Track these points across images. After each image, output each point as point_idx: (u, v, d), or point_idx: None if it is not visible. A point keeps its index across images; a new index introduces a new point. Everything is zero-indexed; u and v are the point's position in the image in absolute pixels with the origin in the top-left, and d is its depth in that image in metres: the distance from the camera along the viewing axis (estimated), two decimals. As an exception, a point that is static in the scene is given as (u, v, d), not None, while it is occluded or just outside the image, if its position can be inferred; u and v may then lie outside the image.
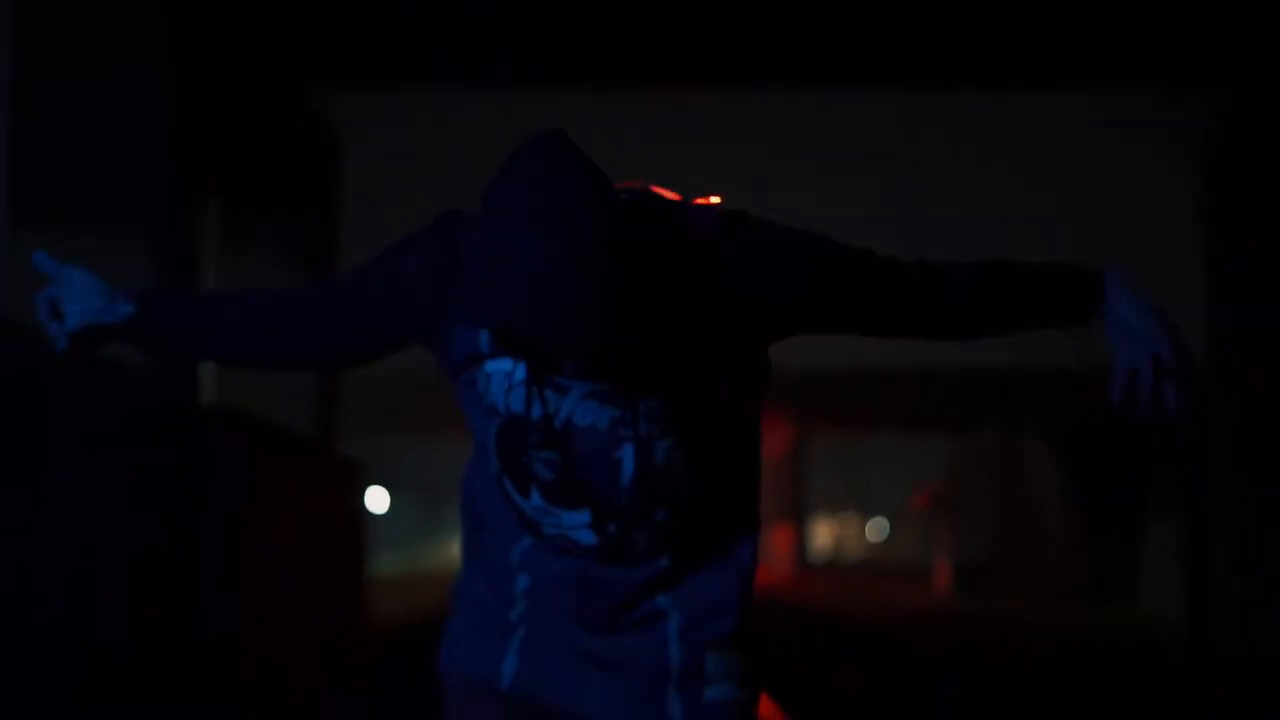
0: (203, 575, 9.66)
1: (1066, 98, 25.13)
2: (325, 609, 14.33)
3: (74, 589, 7.26)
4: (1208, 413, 20.50)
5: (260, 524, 11.49)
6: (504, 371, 2.11)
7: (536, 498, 2.15)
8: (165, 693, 8.76)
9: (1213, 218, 20.02)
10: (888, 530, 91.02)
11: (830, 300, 2.15)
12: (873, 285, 2.16)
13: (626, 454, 2.10)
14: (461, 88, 19.45)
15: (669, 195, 2.16)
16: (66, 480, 7.24)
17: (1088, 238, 40.05)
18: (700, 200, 2.17)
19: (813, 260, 2.12)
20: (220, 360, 2.30)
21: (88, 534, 7.50)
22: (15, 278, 10.74)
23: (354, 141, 20.01)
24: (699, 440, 2.14)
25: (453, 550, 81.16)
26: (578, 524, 2.15)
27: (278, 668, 11.67)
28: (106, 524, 7.79)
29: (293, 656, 12.43)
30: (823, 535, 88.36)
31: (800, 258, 2.11)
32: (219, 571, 10.10)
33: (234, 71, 14.02)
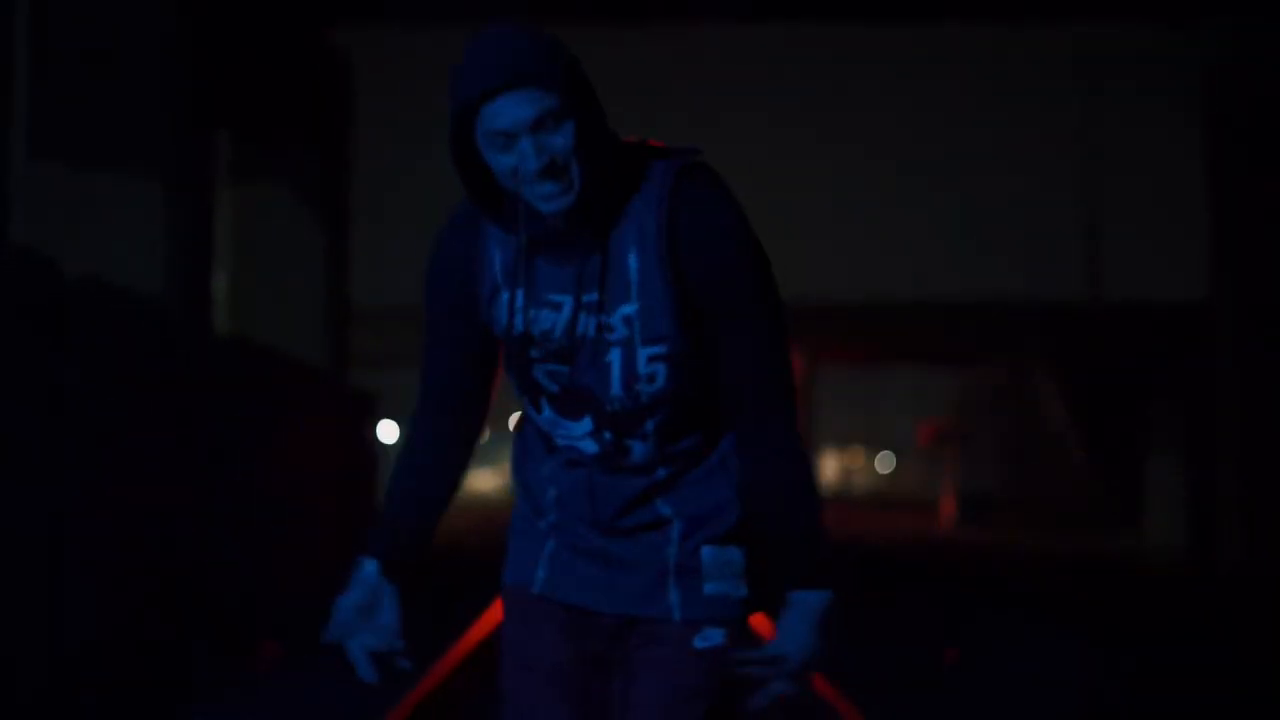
0: (220, 498, 9.88)
1: (1078, 31, 25.19)
2: (338, 534, 14.58)
3: (94, 508, 7.48)
4: (1213, 349, 20.68)
5: (276, 450, 11.69)
6: (500, 300, 2.45)
7: (547, 410, 2.47)
8: (182, 612, 8.99)
9: (1214, 158, 20.12)
10: (894, 463, 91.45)
11: (715, 282, 2.37)
12: (744, 303, 2.39)
13: (614, 359, 2.39)
14: (472, 24, 19.52)
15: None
16: (86, 404, 7.44)
17: (1099, 168, 40.03)
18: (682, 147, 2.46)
19: (739, 234, 2.39)
20: (464, 458, 2.70)
21: (108, 455, 7.70)
22: (32, 209, 10.94)
23: (367, 76, 20.10)
24: (676, 351, 2.40)
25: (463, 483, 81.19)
26: (580, 433, 2.46)
27: (291, 590, 11.92)
28: (123, 447, 7.99)
29: (305, 580, 12.68)
30: (830, 468, 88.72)
31: (720, 235, 2.38)
32: (236, 494, 10.32)
33: (250, 7, 14.13)
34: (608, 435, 2.44)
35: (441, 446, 2.64)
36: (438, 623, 10.82)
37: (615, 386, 2.41)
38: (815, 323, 40.63)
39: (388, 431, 36.15)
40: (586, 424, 2.46)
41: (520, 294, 2.42)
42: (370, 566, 2.55)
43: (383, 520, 2.60)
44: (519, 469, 2.62)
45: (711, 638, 2.45)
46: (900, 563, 19.47)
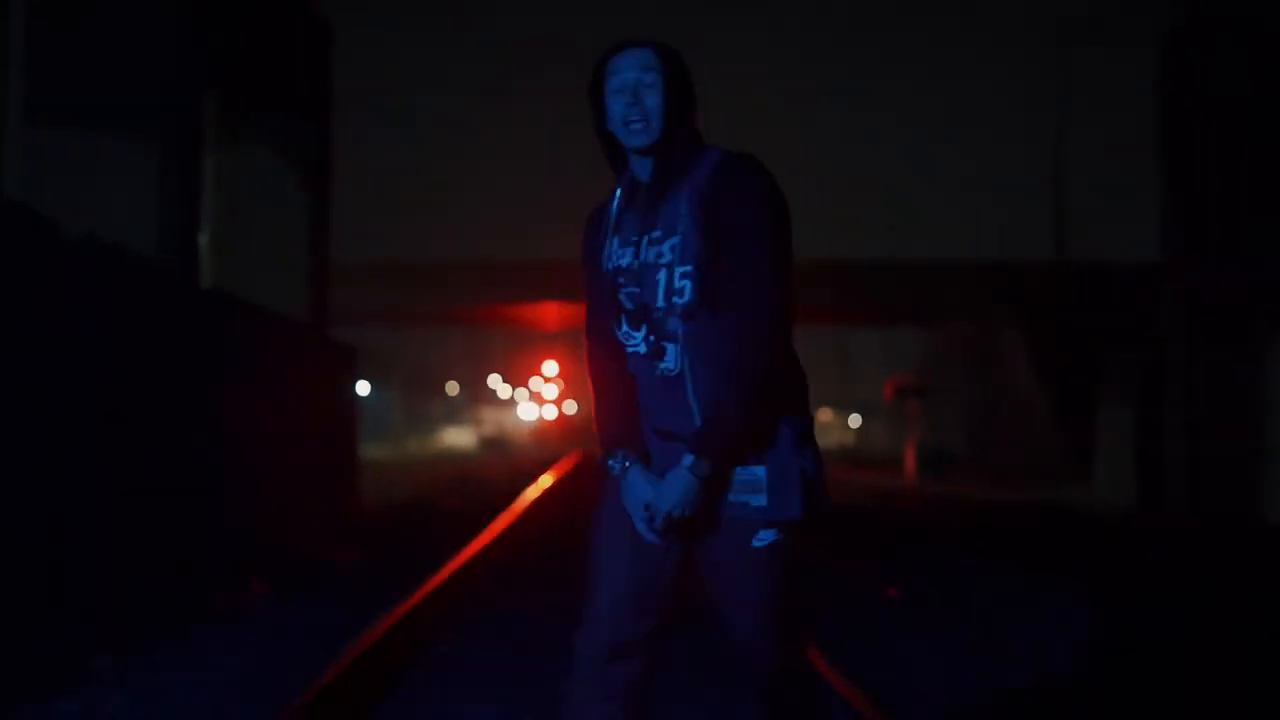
0: (213, 445, 10.39)
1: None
2: (324, 483, 15.07)
3: (102, 452, 8.02)
4: (1162, 312, 21.32)
5: (263, 401, 12.18)
6: (614, 242, 3.38)
7: (624, 324, 3.38)
8: (181, 556, 9.53)
9: (1166, 131, 20.69)
10: (861, 421, 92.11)
11: (731, 228, 3.24)
12: (743, 245, 3.24)
13: (661, 278, 3.28)
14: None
15: None
16: (91, 354, 7.98)
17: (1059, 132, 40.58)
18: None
19: (768, 193, 3.27)
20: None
21: (113, 400, 8.24)
22: (31, 169, 11.40)
23: (344, 35, 20.54)
24: (701, 271, 3.23)
25: (437, 440, 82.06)
26: (639, 339, 3.35)
27: (282, 534, 12.42)
28: (126, 394, 8.52)
29: (295, 524, 13.18)
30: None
31: (746, 190, 3.26)
32: (228, 443, 10.83)
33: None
34: (653, 338, 3.32)
35: (614, 352, 3.45)
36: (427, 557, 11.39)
37: (660, 298, 3.29)
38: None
39: (359, 387, 36.44)
40: (643, 331, 3.33)
41: (617, 238, 3.38)
42: (625, 460, 3.35)
43: (610, 431, 3.41)
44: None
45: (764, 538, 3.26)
46: (856, 513, 20.12)
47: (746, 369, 3.18)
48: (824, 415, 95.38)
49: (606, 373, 3.46)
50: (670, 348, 3.28)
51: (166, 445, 9.30)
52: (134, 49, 11.56)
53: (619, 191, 3.44)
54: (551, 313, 45.28)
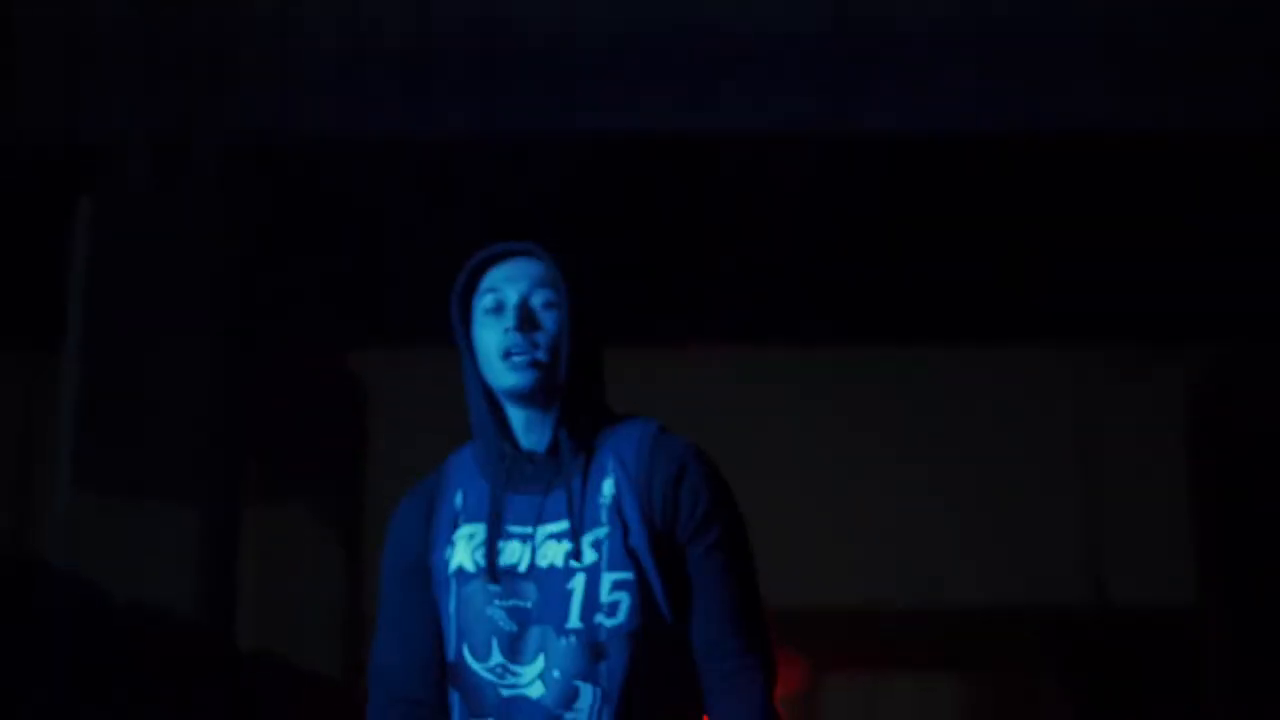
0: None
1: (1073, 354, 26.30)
2: None
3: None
4: (1202, 658, 21.05)
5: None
6: (472, 533, 2.45)
7: (496, 655, 2.43)
8: None
9: (1197, 472, 20.84)
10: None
11: (688, 534, 2.47)
12: (708, 559, 2.47)
13: (577, 585, 2.39)
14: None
15: None
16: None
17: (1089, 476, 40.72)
18: None
19: (714, 481, 2.52)
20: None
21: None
22: (74, 536, 11.57)
23: (381, 397, 20.96)
24: (641, 580, 2.38)
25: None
26: (530, 677, 2.40)
27: None
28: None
29: None
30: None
31: (701, 483, 2.51)
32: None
33: (276, 342, 15.02)
34: (556, 673, 2.37)
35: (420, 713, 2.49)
36: None
37: (574, 617, 2.38)
38: (818, 629, 40.64)
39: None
40: (539, 665, 2.39)
41: (476, 527, 2.42)
42: None
43: None
44: None
45: None
46: None
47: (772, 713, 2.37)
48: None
49: None
50: (586, 690, 2.36)
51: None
52: (180, 422, 11.89)
53: (467, 462, 2.52)
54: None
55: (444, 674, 2.51)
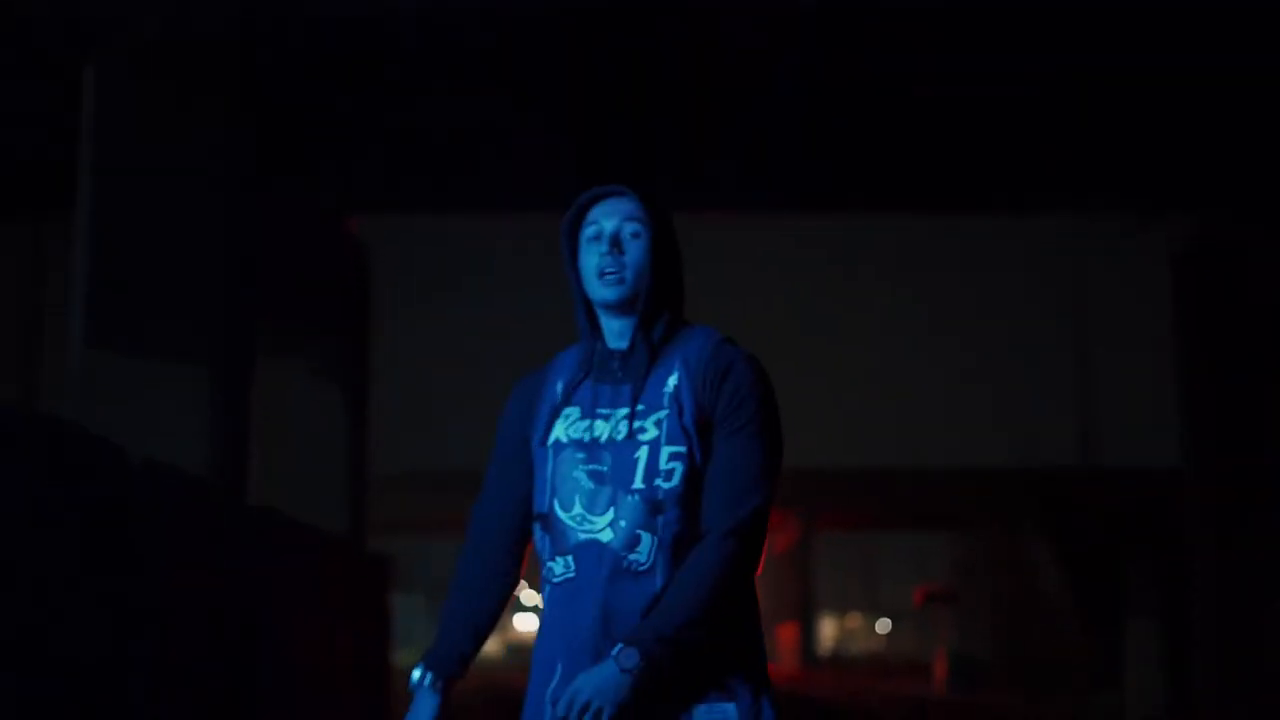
0: (257, 659, 10.73)
1: (1056, 221, 26.58)
2: (357, 694, 15.29)
3: (154, 675, 8.38)
4: (1183, 519, 21.55)
5: (302, 615, 12.53)
6: (568, 414, 3.04)
7: (578, 507, 2.97)
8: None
9: (1184, 336, 21.18)
10: (890, 627, 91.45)
11: (726, 421, 3.00)
12: (735, 442, 3.00)
13: (642, 455, 2.94)
14: (483, 211, 20.85)
15: None
16: (150, 573, 8.38)
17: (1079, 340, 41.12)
18: None
19: (749, 390, 3.02)
20: (511, 580, 3.18)
21: (169, 612, 8.62)
22: (90, 395, 11.91)
23: (382, 259, 21.29)
24: (691, 454, 2.93)
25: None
26: (603, 525, 2.94)
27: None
28: (178, 612, 8.90)
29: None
30: (829, 632, 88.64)
31: (746, 383, 3.01)
32: (269, 655, 11.17)
33: (284, 205, 15.28)
34: (623, 523, 2.92)
35: (491, 566, 3.12)
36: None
37: (638, 480, 2.92)
38: (811, 489, 41.31)
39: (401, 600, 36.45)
40: (608, 515, 2.94)
41: (571, 409, 3.02)
42: (426, 678, 3.12)
43: (439, 636, 3.16)
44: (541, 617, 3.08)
45: None
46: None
47: (718, 576, 2.87)
48: (852, 621, 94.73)
49: (486, 567, 3.09)
50: (646, 537, 2.90)
51: (217, 653, 9.65)
52: (192, 281, 12.17)
53: (570, 359, 3.12)
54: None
55: (527, 522, 3.11)
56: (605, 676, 2.82)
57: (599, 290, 3.03)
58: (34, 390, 16.45)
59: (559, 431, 3.03)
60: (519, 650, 79.27)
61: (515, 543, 3.14)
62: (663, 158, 16.51)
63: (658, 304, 3.04)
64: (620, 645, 2.84)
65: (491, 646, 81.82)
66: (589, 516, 2.95)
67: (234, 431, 12.66)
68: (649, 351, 3.02)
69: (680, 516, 2.92)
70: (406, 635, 65.54)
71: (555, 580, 2.99)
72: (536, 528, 3.07)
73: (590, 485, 2.96)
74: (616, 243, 3.02)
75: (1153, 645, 24.55)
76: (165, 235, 12.30)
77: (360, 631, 15.69)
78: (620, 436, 2.97)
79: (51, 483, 7.06)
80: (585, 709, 2.81)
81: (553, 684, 2.96)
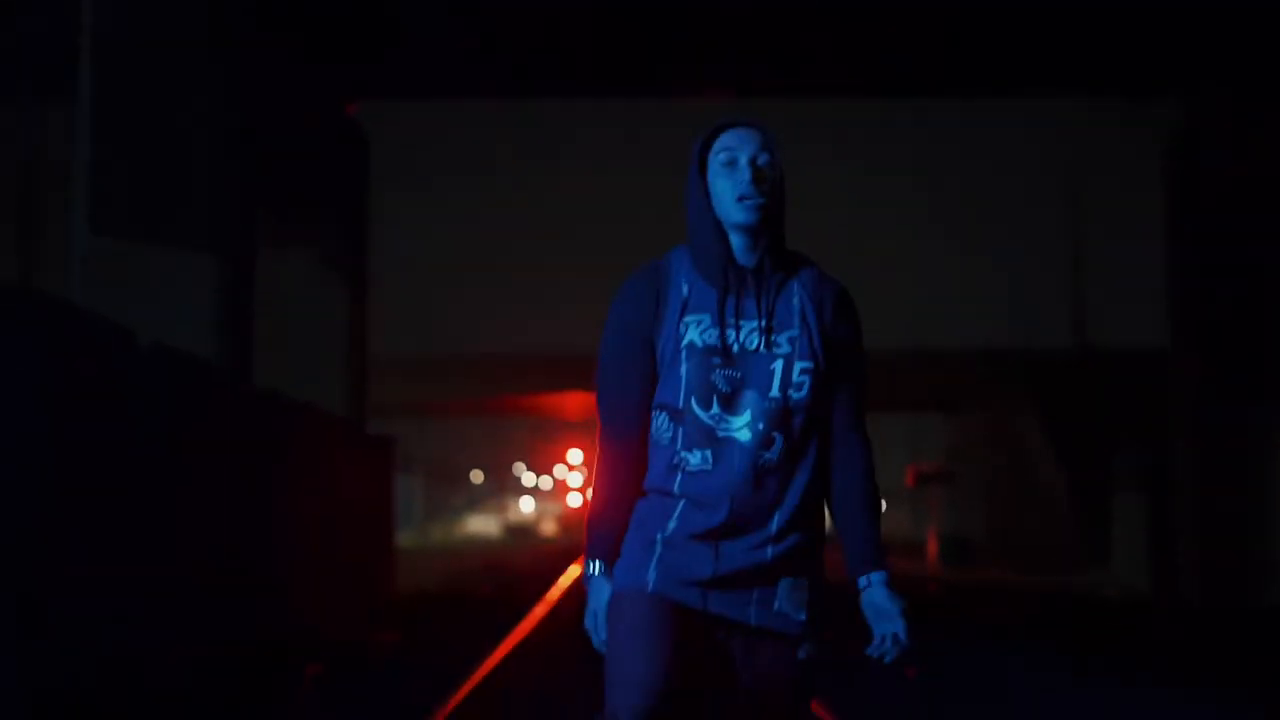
0: (272, 535, 11.04)
1: (1051, 103, 26.64)
2: (363, 569, 15.65)
3: (163, 548, 8.69)
4: (1169, 399, 21.88)
5: (309, 491, 12.83)
6: (699, 320, 3.28)
7: (715, 407, 3.24)
8: (234, 635, 10.15)
9: (1173, 215, 21.36)
10: (884, 507, 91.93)
11: (841, 344, 3.37)
12: (851, 361, 3.41)
13: (777, 368, 3.25)
14: (479, 96, 20.90)
15: None
16: (154, 458, 8.66)
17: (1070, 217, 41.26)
18: None
19: (854, 318, 3.44)
20: (644, 447, 3.38)
21: (178, 499, 8.91)
22: (94, 279, 12.09)
23: (381, 145, 21.37)
24: (818, 370, 3.27)
25: (459, 528, 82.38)
26: (739, 425, 3.24)
27: (326, 616, 13.01)
28: (189, 494, 9.18)
29: (338, 607, 13.77)
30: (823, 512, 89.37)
31: (852, 312, 3.44)
32: (282, 532, 11.48)
33: (285, 91, 15.35)
34: (760, 425, 3.23)
35: (630, 458, 3.34)
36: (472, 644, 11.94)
37: (775, 388, 3.24)
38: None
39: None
40: (745, 417, 3.25)
41: (701, 315, 3.27)
42: (599, 567, 3.31)
43: (599, 531, 3.33)
44: (650, 483, 3.33)
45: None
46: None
47: (872, 475, 3.33)
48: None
49: (628, 459, 3.33)
50: (778, 438, 3.21)
51: (225, 529, 9.97)
52: (196, 169, 12.30)
53: (685, 263, 3.36)
54: (575, 401, 45.92)
55: (648, 415, 3.36)
56: (896, 605, 3.21)
57: (737, 213, 3.26)
58: (33, 265, 16.49)
59: (693, 335, 3.27)
60: (517, 532, 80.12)
61: (644, 433, 3.38)
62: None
63: (779, 229, 3.34)
64: (883, 573, 3.25)
65: (491, 527, 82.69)
66: (726, 416, 3.23)
67: (238, 315, 12.87)
68: (779, 271, 3.32)
69: (805, 420, 3.25)
70: (406, 515, 66.39)
71: (690, 470, 3.27)
72: (664, 416, 3.32)
73: (727, 389, 3.22)
74: (757, 171, 3.26)
75: (1139, 523, 24.98)
76: (166, 113, 12.35)
77: (366, 508, 16.01)
78: (752, 347, 3.25)
79: (53, 360, 7.27)
80: (898, 643, 3.19)
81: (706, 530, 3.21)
